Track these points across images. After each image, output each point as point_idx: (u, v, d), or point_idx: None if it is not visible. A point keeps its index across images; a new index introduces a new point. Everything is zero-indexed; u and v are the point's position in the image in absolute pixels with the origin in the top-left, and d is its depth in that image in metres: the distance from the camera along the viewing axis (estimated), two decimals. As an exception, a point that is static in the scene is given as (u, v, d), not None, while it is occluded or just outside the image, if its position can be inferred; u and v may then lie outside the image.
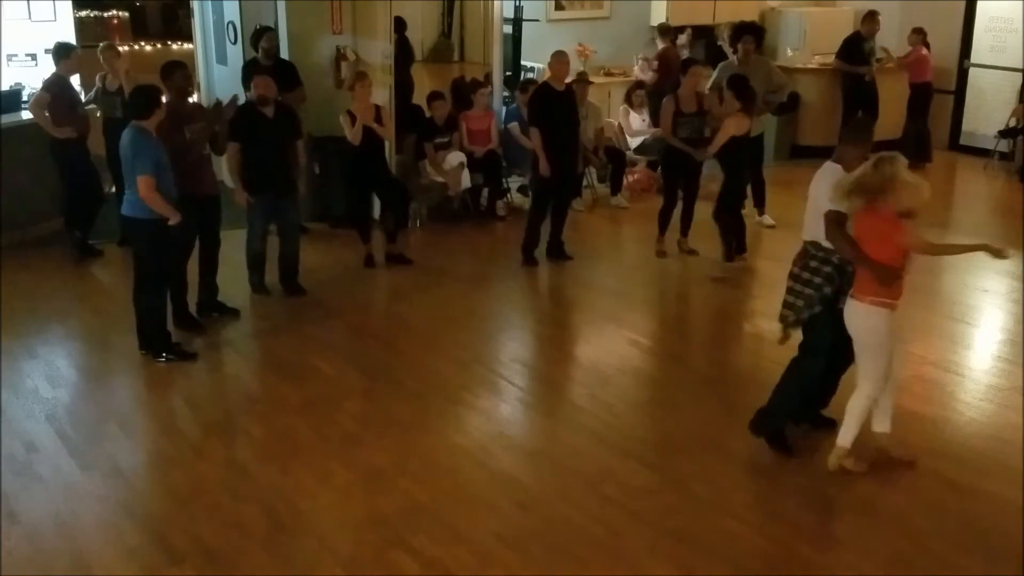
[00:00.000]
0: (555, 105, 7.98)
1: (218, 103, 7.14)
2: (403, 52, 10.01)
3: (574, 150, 8.16)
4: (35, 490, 4.86)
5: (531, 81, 9.64)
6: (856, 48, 11.56)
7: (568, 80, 8.34)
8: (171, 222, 6.00)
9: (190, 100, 7.24)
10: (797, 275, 5.09)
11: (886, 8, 11.84)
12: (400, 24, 9.96)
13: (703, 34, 12.34)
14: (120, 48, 9.38)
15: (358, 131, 7.70)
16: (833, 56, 11.98)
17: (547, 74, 8.22)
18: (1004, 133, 11.62)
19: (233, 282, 7.43)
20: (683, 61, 8.33)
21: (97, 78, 8.31)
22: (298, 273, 7.47)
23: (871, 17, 11.55)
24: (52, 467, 5.07)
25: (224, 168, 7.38)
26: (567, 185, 8.26)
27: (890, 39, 12.05)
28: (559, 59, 8.02)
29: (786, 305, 5.12)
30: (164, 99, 6.30)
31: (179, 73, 6.77)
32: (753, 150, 8.70)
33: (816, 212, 4.92)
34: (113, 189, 8.22)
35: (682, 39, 11.57)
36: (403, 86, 9.56)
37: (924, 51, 11.63)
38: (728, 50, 11.11)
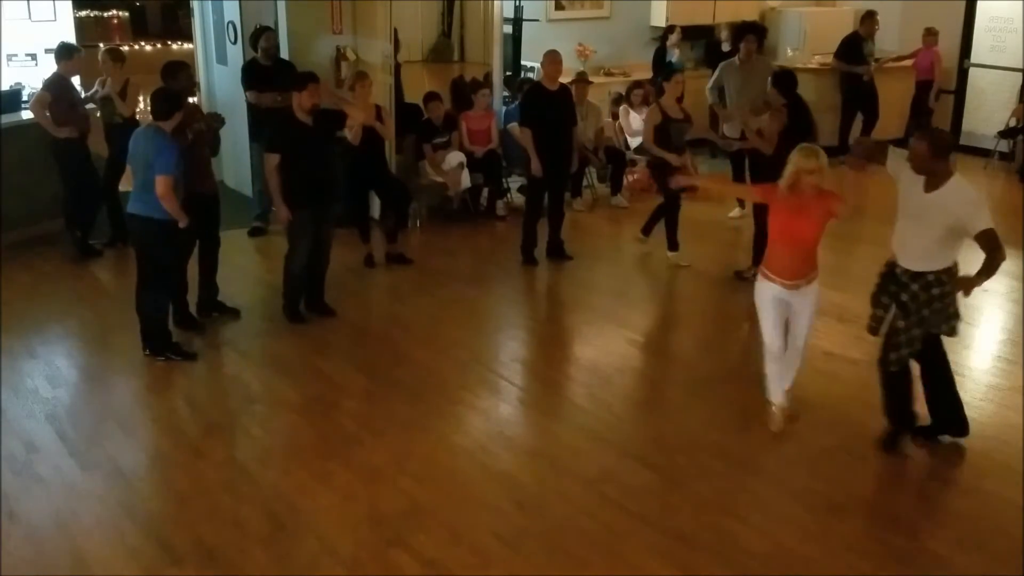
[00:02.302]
0: (547, 105, 7.97)
1: (211, 114, 7.10)
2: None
3: (567, 150, 8.15)
4: (35, 490, 4.86)
5: (527, 80, 9.63)
6: (855, 48, 11.57)
7: (567, 80, 8.32)
8: (180, 224, 6.03)
9: (189, 100, 7.22)
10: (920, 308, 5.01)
11: (886, 8, 11.85)
12: None
13: (703, 34, 12.33)
14: (122, 48, 9.39)
15: (357, 132, 7.70)
16: (833, 56, 12.00)
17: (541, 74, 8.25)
18: (1004, 134, 11.61)
19: (233, 282, 7.43)
20: (665, 72, 8.29)
21: (97, 83, 8.30)
22: (324, 292, 7.11)
23: (869, 17, 11.57)
24: (52, 467, 5.07)
25: (224, 173, 7.33)
26: (559, 184, 8.26)
27: (891, 39, 12.06)
28: (551, 59, 8.02)
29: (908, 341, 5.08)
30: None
31: (183, 74, 6.77)
32: (753, 150, 8.68)
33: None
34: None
35: (673, 38, 11.57)
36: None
37: (935, 50, 11.62)
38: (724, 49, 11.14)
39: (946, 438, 5.33)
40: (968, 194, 4.87)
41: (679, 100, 8.26)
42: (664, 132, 8.05)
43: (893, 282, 5.07)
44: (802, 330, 5.31)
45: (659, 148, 8.06)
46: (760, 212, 7.76)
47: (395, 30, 9.52)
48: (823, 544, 4.50)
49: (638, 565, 4.32)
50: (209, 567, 4.27)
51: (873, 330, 5.24)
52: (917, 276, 4.96)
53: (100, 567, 4.27)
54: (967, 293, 4.86)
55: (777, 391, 5.43)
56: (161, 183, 5.92)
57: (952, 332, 5.14)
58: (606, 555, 4.39)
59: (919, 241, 4.92)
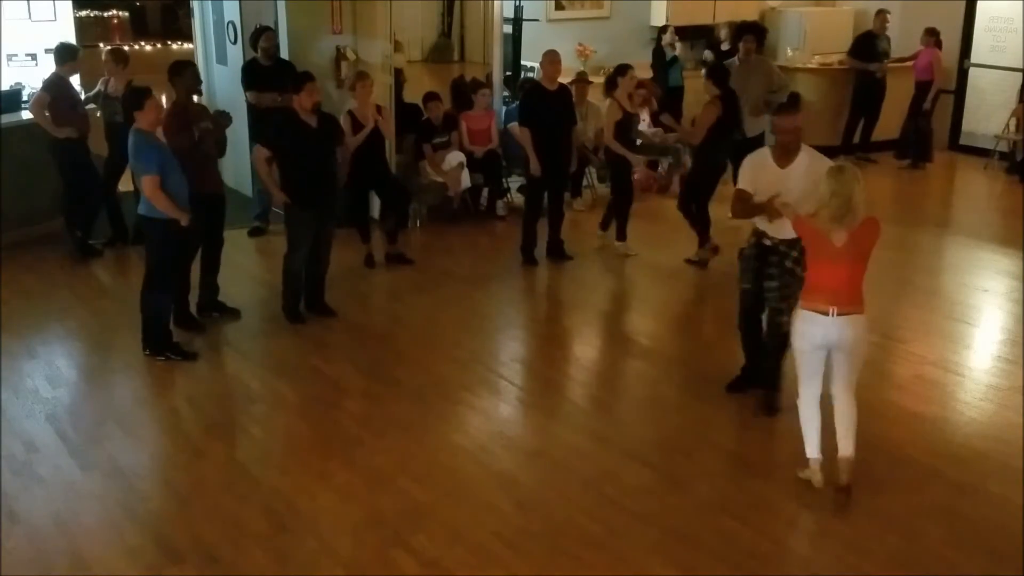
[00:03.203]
0: (546, 105, 7.98)
1: (219, 112, 7.10)
2: None
3: (566, 150, 8.16)
4: (35, 490, 4.86)
5: (528, 80, 9.64)
6: (869, 46, 11.56)
7: (568, 80, 8.33)
8: (181, 223, 6.02)
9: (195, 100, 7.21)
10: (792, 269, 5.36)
11: (887, 8, 11.84)
12: None
13: (702, 34, 12.34)
14: (125, 48, 9.38)
15: (362, 135, 7.68)
16: (833, 56, 11.99)
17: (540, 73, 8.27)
18: (1012, 169, 11.43)
19: (233, 282, 7.43)
20: (618, 66, 8.49)
21: (100, 82, 8.31)
22: (324, 292, 7.11)
23: (880, 14, 11.57)
24: (52, 467, 5.07)
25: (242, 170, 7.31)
26: (559, 184, 8.27)
27: (891, 39, 12.06)
28: (550, 59, 8.04)
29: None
30: (164, 98, 6.30)
31: (189, 72, 6.78)
32: (753, 150, 8.72)
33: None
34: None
35: (666, 37, 11.60)
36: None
37: (935, 51, 11.63)
38: (723, 48, 11.19)
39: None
40: (814, 151, 5.37)
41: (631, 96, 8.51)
42: (625, 127, 8.23)
43: (773, 254, 5.42)
44: None
45: (621, 145, 8.18)
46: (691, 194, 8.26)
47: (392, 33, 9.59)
48: (823, 544, 4.51)
49: (638, 565, 4.32)
50: (209, 567, 4.27)
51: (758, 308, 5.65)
52: (794, 243, 5.24)
53: (100, 567, 4.27)
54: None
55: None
56: (146, 183, 5.92)
57: None
58: (606, 555, 4.39)
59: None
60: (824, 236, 4.65)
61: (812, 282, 4.76)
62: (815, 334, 4.72)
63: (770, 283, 5.49)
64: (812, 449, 4.85)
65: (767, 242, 5.47)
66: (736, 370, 5.99)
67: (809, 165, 5.22)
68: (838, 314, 4.64)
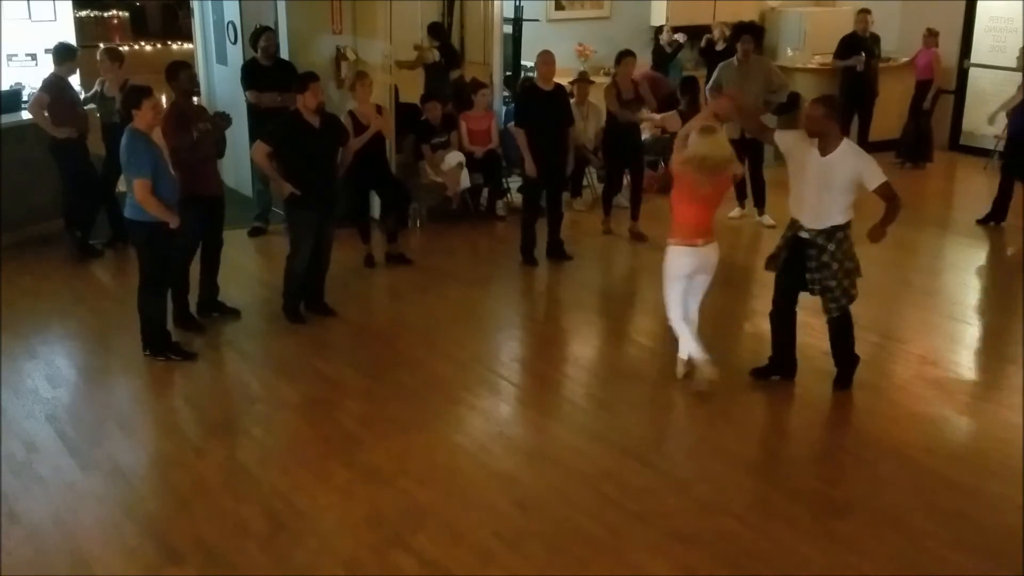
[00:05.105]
0: (542, 105, 7.98)
1: (219, 114, 7.10)
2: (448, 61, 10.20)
3: (563, 150, 8.16)
4: (35, 490, 4.86)
5: (527, 80, 9.64)
6: (851, 46, 11.56)
7: (569, 80, 8.32)
8: (171, 226, 6.00)
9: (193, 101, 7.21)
10: (842, 261, 5.57)
11: (887, 8, 11.86)
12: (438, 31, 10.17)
13: (702, 34, 12.35)
14: (122, 48, 9.37)
15: (365, 136, 7.67)
16: (832, 56, 11.99)
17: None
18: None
19: (233, 282, 7.44)
20: (619, 53, 8.72)
21: (97, 82, 8.31)
22: (324, 292, 7.10)
23: (861, 14, 11.59)
24: (52, 467, 5.07)
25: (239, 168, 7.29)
26: (555, 184, 8.27)
27: (891, 39, 12.06)
28: (544, 59, 8.05)
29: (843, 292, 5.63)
30: (164, 99, 6.30)
31: (184, 73, 6.77)
32: (753, 150, 8.75)
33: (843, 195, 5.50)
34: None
35: (664, 36, 11.60)
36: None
37: (934, 51, 11.63)
38: (718, 48, 11.23)
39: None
40: (862, 153, 5.59)
41: (633, 81, 8.76)
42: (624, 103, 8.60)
43: (808, 247, 5.59)
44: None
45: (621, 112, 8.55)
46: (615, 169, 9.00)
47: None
48: (823, 544, 4.50)
49: (638, 565, 4.32)
50: (209, 567, 4.27)
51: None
52: (831, 235, 5.52)
53: (100, 567, 4.27)
54: (877, 240, 5.51)
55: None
56: (138, 187, 5.88)
57: (860, 274, 5.73)
58: (606, 555, 4.39)
59: (825, 201, 5.49)
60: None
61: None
62: (688, 263, 5.68)
63: (813, 275, 5.66)
64: (697, 352, 5.77)
65: (803, 235, 5.60)
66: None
67: (846, 158, 5.49)
68: (703, 244, 5.64)
